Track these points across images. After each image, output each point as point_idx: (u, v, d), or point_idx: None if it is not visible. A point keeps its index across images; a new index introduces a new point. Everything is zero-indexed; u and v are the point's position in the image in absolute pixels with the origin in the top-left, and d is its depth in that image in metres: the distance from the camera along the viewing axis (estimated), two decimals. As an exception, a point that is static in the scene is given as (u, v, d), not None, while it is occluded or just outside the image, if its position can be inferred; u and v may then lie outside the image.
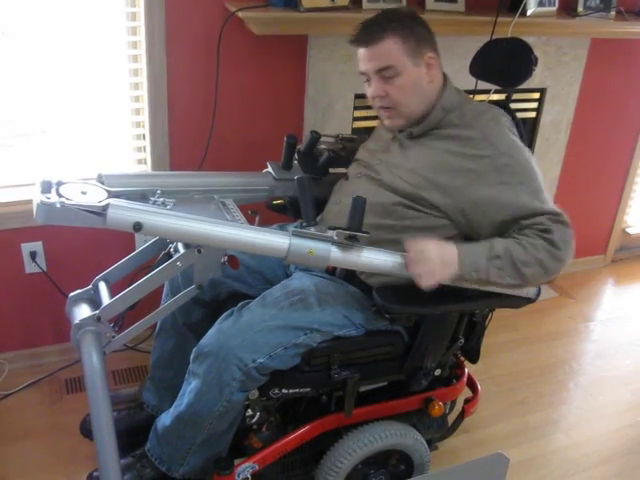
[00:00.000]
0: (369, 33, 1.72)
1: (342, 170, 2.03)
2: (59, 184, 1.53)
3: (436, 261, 1.58)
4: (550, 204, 1.68)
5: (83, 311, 1.69)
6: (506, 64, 1.92)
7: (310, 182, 1.68)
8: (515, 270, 1.61)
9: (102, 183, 1.67)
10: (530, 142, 2.97)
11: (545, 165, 3.13)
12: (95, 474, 1.84)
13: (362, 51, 1.75)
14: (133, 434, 1.96)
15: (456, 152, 1.72)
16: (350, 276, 1.84)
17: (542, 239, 1.62)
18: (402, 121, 1.80)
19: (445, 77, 1.83)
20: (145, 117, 2.34)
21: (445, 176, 1.72)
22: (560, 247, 1.62)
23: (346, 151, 2.06)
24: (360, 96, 2.54)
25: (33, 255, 2.36)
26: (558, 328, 3.14)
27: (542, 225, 1.63)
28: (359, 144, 2.03)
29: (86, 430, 2.06)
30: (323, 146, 2.03)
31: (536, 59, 1.89)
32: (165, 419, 1.80)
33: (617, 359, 2.94)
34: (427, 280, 1.58)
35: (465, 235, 1.77)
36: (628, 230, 3.80)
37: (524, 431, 2.44)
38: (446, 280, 1.60)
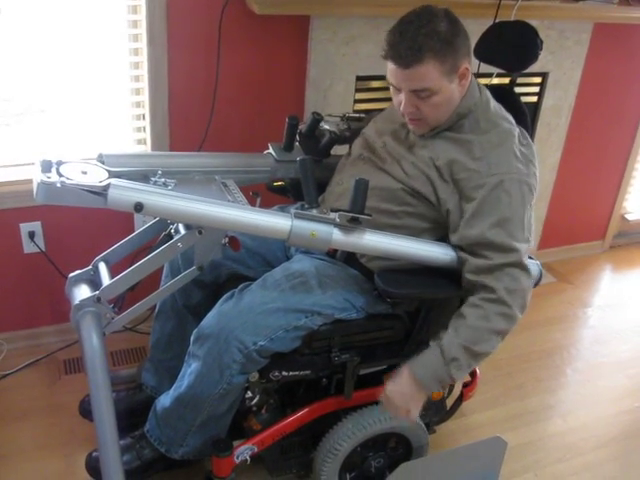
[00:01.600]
0: (406, 53, 1.58)
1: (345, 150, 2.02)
2: (59, 164, 1.52)
3: (401, 403, 1.67)
4: (516, 241, 1.63)
5: (83, 292, 1.68)
6: (512, 48, 1.90)
7: (312, 164, 1.67)
8: (474, 357, 1.62)
9: (103, 163, 1.66)
10: (531, 127, 2.95)
11: (545, 150, 3.13)
12: (94, 454, 1.84)
13: (395, 68, 1.62)
14: (132, 415, 1.96)
15: (453, 158, 1.69)
16: (351, 260, 1.83)
17: (489, 303, 1.61)
18: (427, 129, 1.75)
19: (471, 81, 1.75)
20: (145, 97, 2.32)
21: (438, 178, 1.70)
22: (509, 304, 1.61)
23: (351, 131, 2.03)
24: (362, 78, 2.53)
25: (32, 235, 2.34)
26: (556, 313, 3.14)
27: (485, 284, 1.61)
28: (366, 123, 2.00)
29: (85, 411, 2.06)
30: (326, 126, 2.01)
31: (542, 43, 1.88)
32: (165, 400, 1.80)
33: (614, 345, 2.95)
34: (406, 417, 1.68)
35: None
36: (627, 216, 3.81)
37: (521, 415, 2.45)
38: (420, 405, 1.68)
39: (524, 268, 1.64)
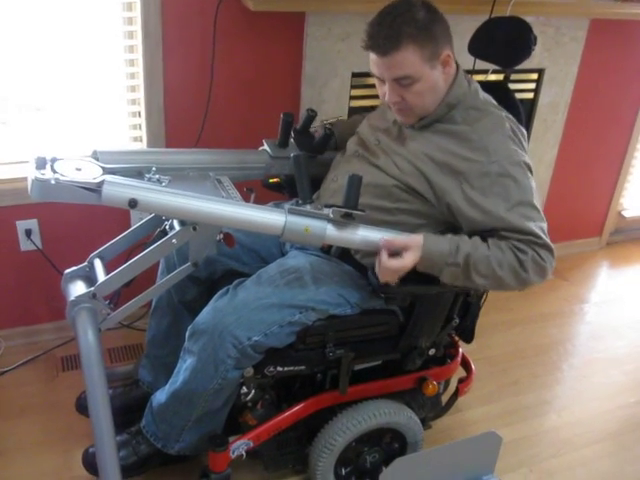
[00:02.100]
0: (384, 41, 1.60)
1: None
2: (54, 160, 1.52)
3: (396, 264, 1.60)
4: (536, 223, 1.63)
5: (78, 288, 1.68)
6: (505, 43, 1.91)
7: (306, 160, 1.68)
8: (467, 277, 1.60)
9: (97, 159, 1.66)
10: (527, 123, 2.96)
11: (542, 147, 3.13)
12: (91, 450, 1.85)
13: (376, 57, 1.64)
14: (128, 411, 1.98)
15: (451, 150, 1.69)
16: (345, 256, 1.84)
17: (514, 256, 1.60)
18: (415, 119, 1.76)
19: (457, 67, 1.76)
20: (141, 94, 2.32)
21: (436, 172, 1.70)
22: (528, 270, 1.60)
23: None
24: (357, 75, 2.53)
25: (28, 233, 2.35)
26: (552, 310, 3.15)
27: (519, 243, 1.60)
28: (360, 122, 2.01)
29: (82, 407, 2.07)
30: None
31: (535, 39, 1.88)
32: (160, 396, 1.81)
33: (610, 341, 2.96)
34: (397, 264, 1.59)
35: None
36: (624, 213, 3.81)
37: (517, 411, 2.46)
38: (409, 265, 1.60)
39: (547, 247, 1.63)
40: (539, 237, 1.62)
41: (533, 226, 1.62)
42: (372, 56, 1.66)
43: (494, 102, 1.80)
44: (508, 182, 1.64)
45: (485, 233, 1.65)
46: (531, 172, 1.70)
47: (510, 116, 1.77)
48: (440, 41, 1.65)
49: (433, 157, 1.71)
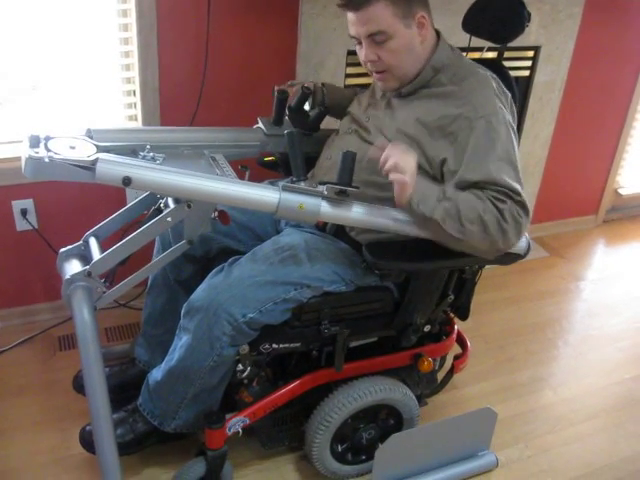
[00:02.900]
0: None
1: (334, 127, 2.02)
2: (47, 139, 1.52)
3: (408, 168, 1.57)
4: (515, 181, 1.63)
5: (74, 267, 1.68)
6: (498, 20, 1.89)
7: (300, 136, 1.68)
8: (457, 219, 1.58)
9: (91, 138, 1.66)
10: (523, 101, 2.95)
11: (538, 125, 3.13)
12: (88, 428, 1.86)
13: (351, 15, 1.67)
14: (125, 389, 1.99)
15: (440, 112, 1.70)
16: (340, 233, 1.84)
17: (492, 205, 1.59)
18: (395, 83, 1.77)
19: (438, 34, 1.78)
20: (135, 73, 2.32)
21: (427, 136, 1.70)
22: (507, 220, 1.59)
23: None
24: (352, 52, 2.50)
25: (24, 212, 2.35)
26: (548, 287, 3.16)
27: (497, 195, 1.60)
28: (350, 100, 2.01)
29: (79, 386, 2.07)
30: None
31: (529, 15, 1.87)
32: (157, 374, 1.81)
33: (606, 318, 2.97)
34: (397, 177, 1.57)
35: None
36: (620, 191, 3.82)
37: (512, 388, 2.47)
38: (405, 188, 1.58)
39: (524, 205, 1.62)
40: (518, 194, 1.62)
41: (512, 184, 1.62)
42: (349, 16, 1.68)
43: (479, 65, 1.81)
44: (494, 137, 1.64)
45: (466, 189, 1.64)
46: (515, 134, 1.70)
47: (495, 76, 1.78)
48: (414, 1, 1.67)
49: (423, 121, 1.71)
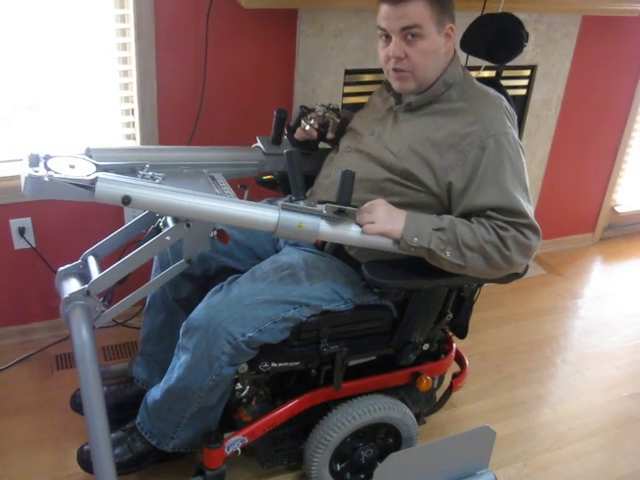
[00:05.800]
0: None
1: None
2: (47, 158, 1.53)
3: (381, 215, 1.61)
4: (524, 201, 1.64)
5: (72, 285, 1.68)
6: (497, 40, 1.91)
7: (299, 156, 1.68)
8: (456, 248, 1.60)
9: (90, 157, 1.67)
10: (520, 120, 2.96)
11: (535, 143, 3.14)
12: (86, 448, 1.85)
13: (388, 8, 1.66)
14: (123, 408, 1.98)
15: (449, 129, 1.70)
16: (339, 252, 1.85)
17: (495, 233, 1.60)
18: (413, 85, 1.75)
19: (455, 52, 1.79)
20: (134, 92, 2.32)
21: (435, 153, 1.70)
22: (510, 248, 1.60)
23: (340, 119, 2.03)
24: (350, 72, 2.54)
25: (22, 231, 2.35)
26: (546, 305, 3.16)
27: (502, 223, 1.61)
28: (350, 118, 2.01)
29: (77, 405, 2.06)
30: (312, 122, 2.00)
31: (527, 35, 1.89)
32: (155, 393, 1.81)
33: (603, 336, 2.97)
34: (369, 227, 1.61)
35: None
36: (617, 208, 3.82)
37: (511, 406, 2.47)
38: (387, 232, 1.62)
39: (533, 227, 1.64)
40: (526, 217, 1.63)
41: (522, 206, 1.63)
42: (383, 8, 1.68)
43: (488, 87, 1.82)
44: (504, 158, 1.65)
45: (472, 215, 1.66)
46: (524, 153, 1.72)
47: (503, 97, 1.80)
48: (447, 12, 1.70)
49: (431, 137, 1.71)
